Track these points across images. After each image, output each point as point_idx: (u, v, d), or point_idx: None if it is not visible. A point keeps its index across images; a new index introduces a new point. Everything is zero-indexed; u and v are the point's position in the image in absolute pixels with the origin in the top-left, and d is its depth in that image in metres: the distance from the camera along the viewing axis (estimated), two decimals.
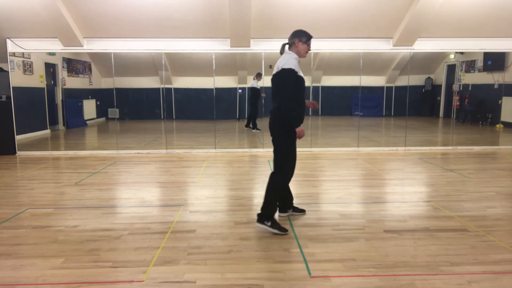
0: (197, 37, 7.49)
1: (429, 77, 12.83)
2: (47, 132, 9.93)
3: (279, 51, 3.50)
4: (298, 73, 3.28)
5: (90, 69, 12.34)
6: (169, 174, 5.82)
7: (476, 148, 7.81)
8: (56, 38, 7.30)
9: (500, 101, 9.04)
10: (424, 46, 7.72)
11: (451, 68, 12.09)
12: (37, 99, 9.64)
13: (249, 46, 7.53)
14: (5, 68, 7.92)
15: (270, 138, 3.46)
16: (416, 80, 12.50)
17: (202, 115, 12.37)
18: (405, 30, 7.28)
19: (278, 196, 3.55)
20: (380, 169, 6.04)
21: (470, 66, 11.11)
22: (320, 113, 12.55)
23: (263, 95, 10.03)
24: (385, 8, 7.05)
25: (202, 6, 6.90)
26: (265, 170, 5.98)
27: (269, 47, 7.56)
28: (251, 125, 10.47)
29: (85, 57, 11.80)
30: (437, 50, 7.98)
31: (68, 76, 11.07)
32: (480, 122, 10.54)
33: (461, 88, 11.19)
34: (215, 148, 7.79)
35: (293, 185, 3.97)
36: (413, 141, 8.26)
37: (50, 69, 10.44)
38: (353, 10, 7.05)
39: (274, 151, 3.44)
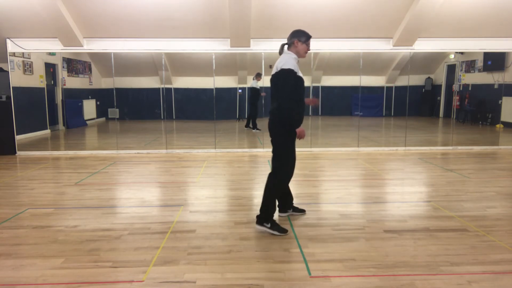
0: (197, 37, 7.50)
1: (429, 77, 12.83)
2: (47, 132, 9.92)
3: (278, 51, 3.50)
4: (297, 73, 3.26)
5: (90, 69, 12.33)
6: (169, 174, 5.82)
7: (476, 148, 7.81)
8: (56, 38, 7.30)
9: (500, 101, 9.03)
10: (424, 46, 7.72)
11: (451, 68, 12.09)
12: (37, 99, 9.64)
13: (249, 46, 7.53)
14: (5, 68, 7.91)
15: (270, 138, 3.46)
16: (416, 80, 12.50)
17: (202, 115, 12.37)
18: (405, 30, 7.28)
19: (277, 196, 3.55)
20: (380, 169, 6.04)
21: (470, 66, 11.11)
22: (320, 113, 12.56)
23: (263, 94, 10.04)
24: (385, 8, 7.05)
25: (202, 6, 6.90)
26: (265, 170, 5.98)
27: (269, 47, 7.56)
28: (251, 125, 10.47)
29: (85, 57, 11.80)
30: (437, 50, 7.98)
31: (68, 76, 11.07)
32: (480, 122, 10.54)
33: (461, 88, 11.19)
34: (215, 148, 7.79)
35: (293, 185, 3.97)
36: (413, 141, 8.26)
37: (50, 69, 10.44)
38: (353, 10, 7.05)
39: (273, 151, 3.44)
